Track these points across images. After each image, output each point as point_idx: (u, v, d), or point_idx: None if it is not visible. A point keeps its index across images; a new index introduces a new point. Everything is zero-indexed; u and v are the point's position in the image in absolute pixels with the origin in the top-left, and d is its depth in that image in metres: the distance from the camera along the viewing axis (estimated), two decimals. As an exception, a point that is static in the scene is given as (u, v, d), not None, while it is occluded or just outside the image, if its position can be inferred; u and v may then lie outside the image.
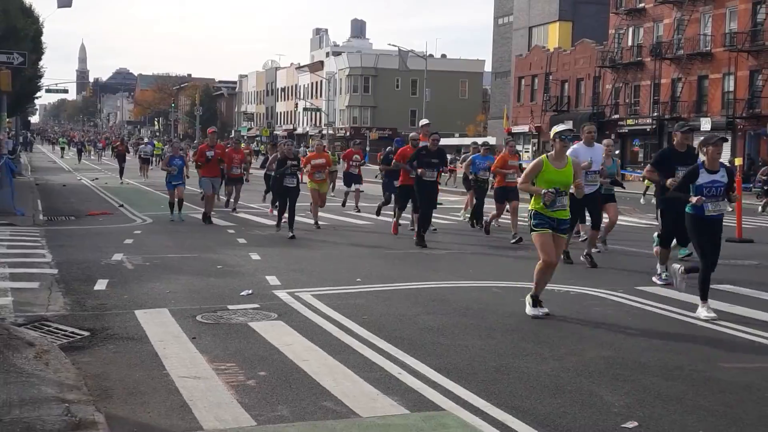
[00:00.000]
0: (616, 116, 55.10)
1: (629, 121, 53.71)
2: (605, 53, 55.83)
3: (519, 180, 10.03)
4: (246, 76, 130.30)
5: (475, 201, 18.73)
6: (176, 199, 19.38)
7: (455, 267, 12.46)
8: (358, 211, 22.26)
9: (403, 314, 8.89)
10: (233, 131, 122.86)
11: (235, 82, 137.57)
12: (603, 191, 13.55)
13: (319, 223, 18.34)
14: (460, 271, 11.99)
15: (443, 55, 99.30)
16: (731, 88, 46.21)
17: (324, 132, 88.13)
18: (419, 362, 6.88)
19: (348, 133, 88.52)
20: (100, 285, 10.52)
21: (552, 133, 9.08)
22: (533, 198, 8.87)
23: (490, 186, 18.63)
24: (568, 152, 9.82)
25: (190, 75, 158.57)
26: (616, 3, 55.69)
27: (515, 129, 66.02)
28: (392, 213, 17.59)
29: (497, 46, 78.19)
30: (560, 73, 61.21)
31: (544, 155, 9.05)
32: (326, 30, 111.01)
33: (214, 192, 19.75)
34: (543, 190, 8.64)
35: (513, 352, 7.32)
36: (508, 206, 16.90)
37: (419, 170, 14.66)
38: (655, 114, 51.36)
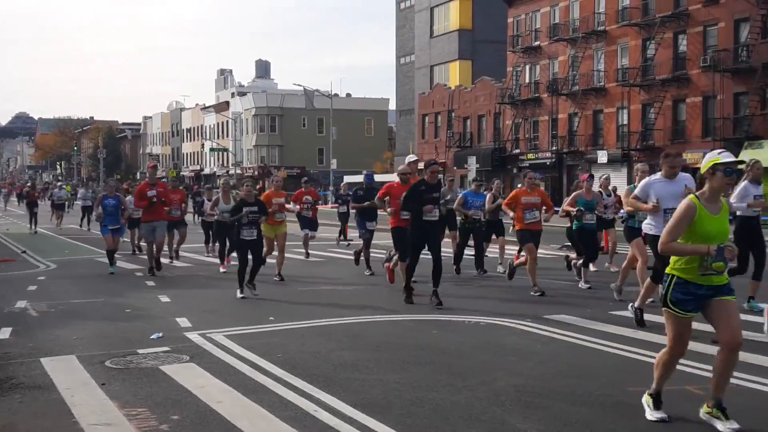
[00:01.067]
0: (517, 151, 56.48)
1: (530, 156, 55.13)
2: (504, 90, 57.32)
3: (661, 238, 6.11)
4: (150, 117, 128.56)
5: (457, 242, 16.82)
6: (112, 247, 17.12)
7: (368, 302, 12.53)
8: (307, 256, 20.01)
9: (318, 351, 8.89)
10: (138, 173, 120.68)
11: (139, 124, 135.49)
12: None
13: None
14: (374, 306, 12.06)
15: (348, 94, 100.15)
16: (625, 122, 48.00)
17: (232, 172, 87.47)
18: (335, 398, 6.89)
19: (256, 173, 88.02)
20: (3, 333, 10.18)
21: (708, 164, 6.06)
22: (675, 259, 6.15)
23: (484, 227, 16.63)
24: (642, 185, 10.15)
25: (92, 117, 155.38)
26: (513, 42, 57.36)
27: (421, 165, 66.82)
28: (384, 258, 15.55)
29: (400, 84, 79.43)
30: (462, 110, 62.49)
31: (692, 196, 6.09)
32: (231, 70, 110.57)
33: (160, 237, 16.88)
34: (706, 247, 5.85)
35: (427, 384, 7.41)
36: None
37: (425, 208, 12.05)
38: (554, 148, 52.86)
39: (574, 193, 14.32)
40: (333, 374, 7.79)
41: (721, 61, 41.10)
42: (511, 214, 13.69)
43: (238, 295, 13.06)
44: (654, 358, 8.30)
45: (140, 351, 8.96)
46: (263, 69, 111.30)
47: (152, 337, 9.71)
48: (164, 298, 13.17)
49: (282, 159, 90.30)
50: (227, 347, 9.08)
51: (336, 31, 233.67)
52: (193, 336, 9.77)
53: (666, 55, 44.91)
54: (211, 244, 20.78)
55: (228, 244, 17.02)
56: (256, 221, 13.04)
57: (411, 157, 15.28)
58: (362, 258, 16.55)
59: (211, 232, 20.33)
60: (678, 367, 7.90)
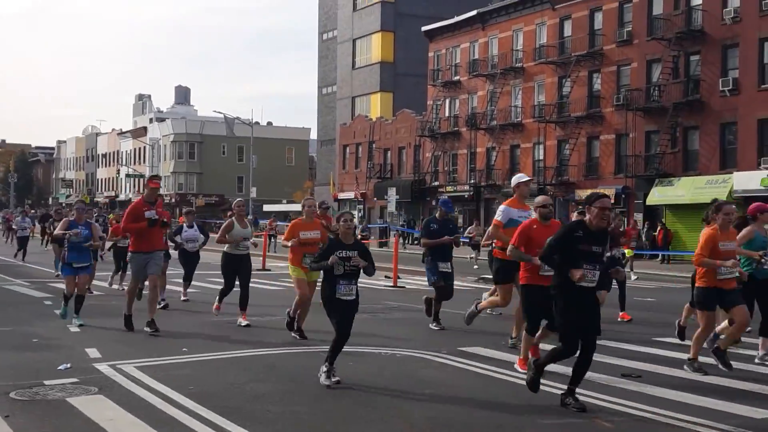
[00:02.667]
0: (436, 183, 57.10)
1: (448, 188, 55.77)
2: (424, 123, 58.01)
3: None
4: (65, 141, 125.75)
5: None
6: (75, 291, 13.19)
7: (283, 333, 12.39)
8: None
9: (232, 383, 8.77)
10: (50, 198, 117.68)
11: (53, 148, 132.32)
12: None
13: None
14: (288, 337, 11.95)
15: (269, 123, 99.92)
16: (541, 157, 49.05)
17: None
18: (247, 431, 6.79)
19: (173, 200, 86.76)
20: None
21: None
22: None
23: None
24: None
25: (4, 141, 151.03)
26: (433, 75, 58.20)
27: (341, 195, 67.04)
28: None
29: (322, 114, 79.71)
30: (383, 142, 62.94)
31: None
32: (149, 96, 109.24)
33: (157, 273, 12.58)
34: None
35: (342, 416, 7.38)
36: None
37: (578, 274, 7.57)
38: (472, 181, 53.64)
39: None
40: (246, 406, 7.69)
41: (634, 100, 42.44)
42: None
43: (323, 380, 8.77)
44: (563, 389, 8.45)
45: (47, 382, 8.68)
46: (183, 95, 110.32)
47: (60, 368, 9.42)
48: (74, 328, 12.80)
49: (200, 187, 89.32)
50: (138, 379, 8.87)
51: (258, 60, 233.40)
52: (103, 367, 9.52)
53: (581, 92, 46.18)
54: (120, 274, 19.12)
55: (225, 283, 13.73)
56: (356, 272, 8.73)
57: (521, 177, 11.09)
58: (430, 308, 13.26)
59: (122, 262, 18.69)
60: (588, 399, 8.07)
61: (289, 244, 11.64)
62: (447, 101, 57.09)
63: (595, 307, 7.82)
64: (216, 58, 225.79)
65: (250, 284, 13.72)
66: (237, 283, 13.48)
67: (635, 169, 42.25)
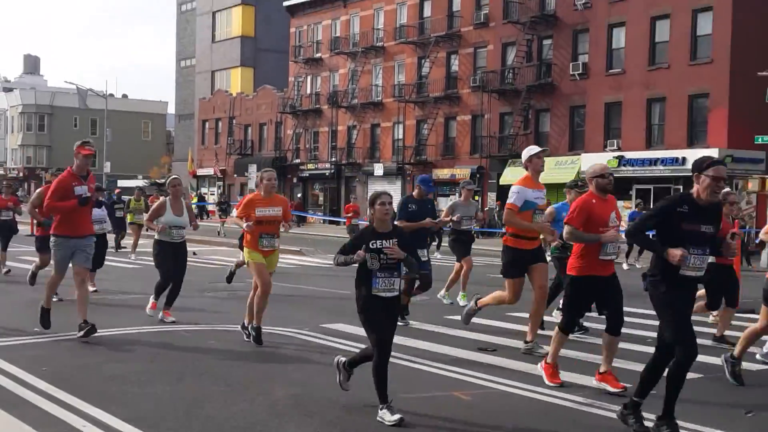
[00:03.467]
0: (298, 161, 56.91)
1: (310, 166, 55.72)
2: (286, 100, 57.62)
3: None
4: None
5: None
6: None
7: (139, 312, 12.08)
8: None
9: (87, 363, 8.51)
10: None
11: None
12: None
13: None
14: (145, 316, 11.66)
15: (125, 95, 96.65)
16: (401, 136, 49.69)
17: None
18: (105, 413, 6.62)
19: (21, 174, 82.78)
20: None
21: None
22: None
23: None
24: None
25: None
26: (295, 52, 57.82)
27: (200, 172, 65.80)
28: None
29: (180, 88, 77.78)
30: (243, 118, 62.11)
31: None
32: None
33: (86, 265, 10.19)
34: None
35: (203, 395, 7.30)
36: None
37: (678, 253, 6.22)
38: (333, 159, 53.78)
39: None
40: (103, 388, 7.48)
41: (489, 82, 43.60)
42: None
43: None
44: (426, 365, 8.66)
45: None
46: (32, 64, 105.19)
47: None
48: None
49: (50, 160, 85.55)
50: (-14, 361, 8.48)
51: (113, 31, 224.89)
52: (-53, 350, 9.03)
53: (440, 73, 47.01)
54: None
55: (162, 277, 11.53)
56: (396, 266, 6.86)
57: (533, 149, 9.38)
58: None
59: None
60: (448, 374, 8.32)
61: (244, 225, 9.73)
62: (309, 78, 56.86)
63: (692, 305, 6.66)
64: (70, 29, 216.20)
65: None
66: None
67: (490, 149, 43.49)
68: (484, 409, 7.08)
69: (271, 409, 6.90)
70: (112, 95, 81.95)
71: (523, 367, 8.68)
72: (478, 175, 44.00)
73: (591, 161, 38.45)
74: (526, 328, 9.82)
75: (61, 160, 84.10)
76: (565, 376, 8.14)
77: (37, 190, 13.11)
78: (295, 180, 56.97)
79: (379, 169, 49.66)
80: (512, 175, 41.98)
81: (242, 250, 10.94)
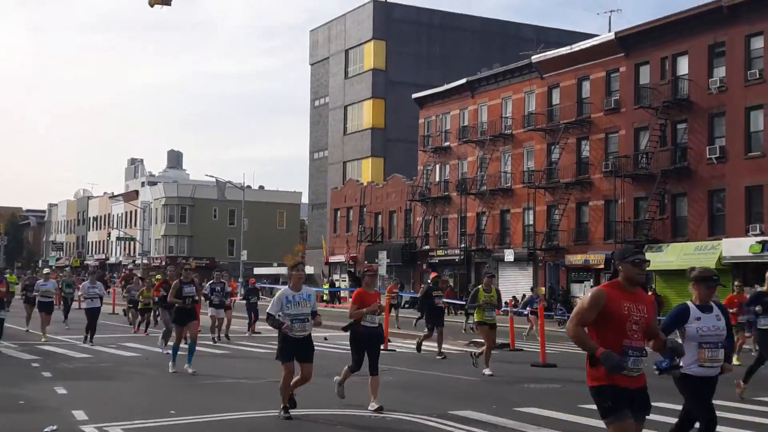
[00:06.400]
0: (427, 247, 57.21)
1: (439, 252, 55.86)
2: (415, 188, 58.40)
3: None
4: (56, 204, 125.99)
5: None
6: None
7: (274, 395, 12.26)
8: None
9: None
10: (41, 261, 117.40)
11: (44, 211, 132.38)
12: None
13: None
14: (275, 400, 11.79)
15: (261, 186, 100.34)
16: (531, 222, 49.29)
17: (138, 261, 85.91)
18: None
19: (163, 263, 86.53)
20: None
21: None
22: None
23: None
24: None
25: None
26: (424, 141, 58.80)
27: (332, 259, 67.06)
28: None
29: (313, 178, 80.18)
30: (374, 206, 63.24)
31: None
32: (141, 160, 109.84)
33: None
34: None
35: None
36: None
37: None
38: (463, 245, 53.77)
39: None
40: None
41: (622, 166, 42.89)
42: None
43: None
44: None
45: (33, 444, 8.59)
46: (175, 159, 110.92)
47: (46, 430, 9.32)
48: (61, 390, 12.69)
49: (191, 250, 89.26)
50: (126, 441, 8.79)
51: (250, 124, 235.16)
52: (90, 429, 9.43)
53: (570, 159, 46.66)
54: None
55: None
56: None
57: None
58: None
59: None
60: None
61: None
62: (437, 166, 57.55)
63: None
64: (208, 123, 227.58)
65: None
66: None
67: (624, 234, 42.47)
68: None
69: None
70: (249, 186, 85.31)
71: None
72: (613, 261, 42.98)
73: (732, 246, 37.07)
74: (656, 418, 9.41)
75: (202, 248, 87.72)
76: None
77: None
78: (424, 266, 57.18)
79: (509, 255, 49.27)
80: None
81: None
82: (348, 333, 11.44)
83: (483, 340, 16.64)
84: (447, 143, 56.49)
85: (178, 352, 15.25)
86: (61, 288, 29.39)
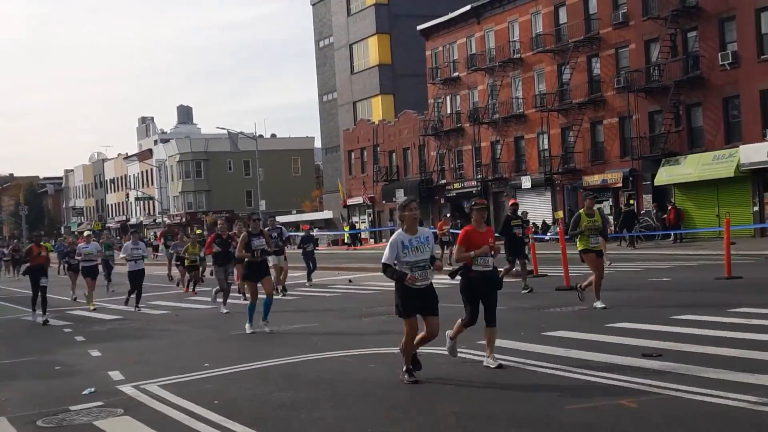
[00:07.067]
0: (444, 181, 57.09)
1: (456, 185, 55.76)
2: (427, 122, 58.03)
3: None
4: (72, 170, 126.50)
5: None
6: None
7: (302, 340, 12.46)
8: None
9: (255, 394, 8.82)
10: (62, 228, 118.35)
11: (60, 178, 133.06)
12: None
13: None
14: (308, 344, 11.99)
15: (273, 135, 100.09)
16: (546, 146, 48.97)
17: (159, 220, 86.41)
18: (275, 440, 6.83)
19: (183, 219, 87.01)
20: (-73, 402, 9.82)
21: None
22: None
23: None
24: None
25: (12, 174, 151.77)
26: (432, 74, 58.22)
27: (350, 201, 67.16)
28: None
29: (325, 122, 79.83)
30: (387, 144, 63.00)
31: None
32: (152, 118, 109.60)
33: None
34: None
35: (367, 418, 7.41)
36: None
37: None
38: (479, 176, 53.61)
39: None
40: (272, 416, 7.73)
41: (635, 81, 42.34)
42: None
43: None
44: (587, 375, 8.47)
45: (72, 408, 8.74)
46: (185, 114, 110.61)
47: (84, 392, 9.49)
48: (95, 353, 12.89)
49: (209, 204, 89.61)
50: (162, 397, 8.93)
51: (257, 73, 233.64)
52: (127, 388, 9.59)
53: (581, 78, 46.09)
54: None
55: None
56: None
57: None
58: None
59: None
60: (611, 381, 8.10)
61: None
62: (448, 98, 57.08)
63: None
64: (214, 75, 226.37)
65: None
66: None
67: (641, 150, 42.14)
68: (652, 416, 6.83)
69: (434, 427, 6.92)
70: (261, 136, 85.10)
71: (692, 370, 8.33)
72: (631, 178, 42.76)
73: (750, 152, 36.70)
74: (691, 331, 9.46)
75: (220, 202, 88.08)
76: (729, 375, 7.76)
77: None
78: (442, 201, 57.15)
79: (526, 182, 49.10)
80: (667, 175, 40.57)
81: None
82: (455, 280, 9.80)
83: (590, 270, 14.61)
84: (456, 74, 55.91)
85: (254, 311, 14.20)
86: (101, 251, 27.47)
